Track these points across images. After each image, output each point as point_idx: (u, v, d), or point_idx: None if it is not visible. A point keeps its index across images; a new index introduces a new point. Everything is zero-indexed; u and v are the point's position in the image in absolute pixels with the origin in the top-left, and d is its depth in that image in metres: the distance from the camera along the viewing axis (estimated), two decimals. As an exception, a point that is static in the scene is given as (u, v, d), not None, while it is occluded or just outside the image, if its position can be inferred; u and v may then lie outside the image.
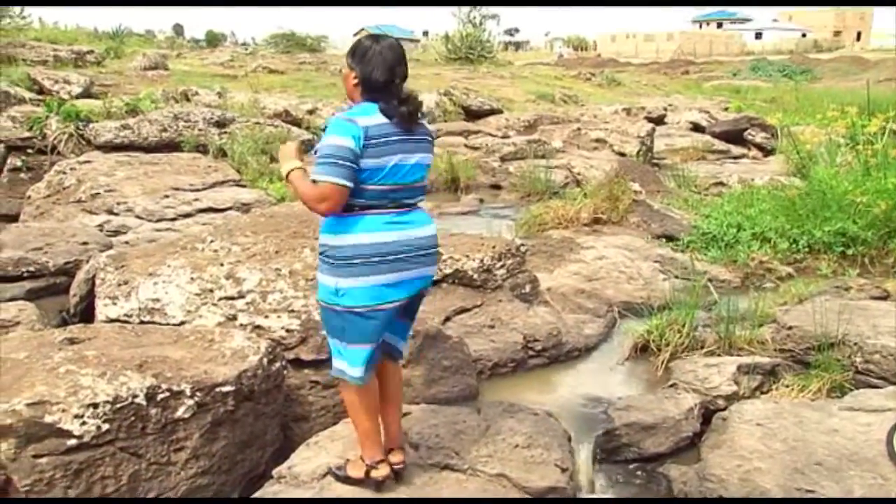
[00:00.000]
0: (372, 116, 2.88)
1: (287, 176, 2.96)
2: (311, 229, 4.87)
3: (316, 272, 3.07)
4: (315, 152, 2.90)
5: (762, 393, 4.36)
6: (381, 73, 2.91)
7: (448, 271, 5.22)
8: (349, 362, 2.99)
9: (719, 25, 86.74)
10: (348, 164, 2.80)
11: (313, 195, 2.83)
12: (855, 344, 4.56)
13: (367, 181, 2.87)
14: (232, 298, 4.22)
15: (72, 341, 3.52)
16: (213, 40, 43.21)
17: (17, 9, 18.43)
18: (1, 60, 14.90)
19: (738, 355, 4.71)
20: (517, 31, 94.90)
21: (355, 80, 2.95)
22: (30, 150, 9.47)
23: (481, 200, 9.93)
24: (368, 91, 2.94)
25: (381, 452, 3.16)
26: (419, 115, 3.01)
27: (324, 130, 2.95)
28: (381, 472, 3.13)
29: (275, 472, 3.33)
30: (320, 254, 2.98)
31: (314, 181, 2.83)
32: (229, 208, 7.65)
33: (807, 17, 79.76)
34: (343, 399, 3.16)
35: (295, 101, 14.33)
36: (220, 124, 10.88)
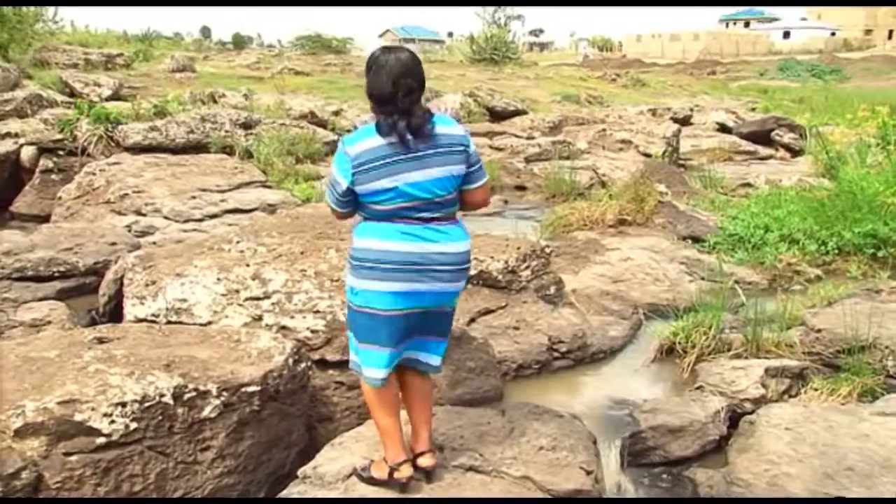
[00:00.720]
0: (367, 140, 2.87)
1: None
2: (335, 230, 4.89)
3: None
4: None
5: (790, 396, 4.30)
6: (384, 86, 2.85)
7: (472, 272, 5.21)
8: (362, 361, 3.07)
9: (746, 25, 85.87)
10: (342, 197, 2.96)
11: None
12: (886, 347, 4.50)
13: (372, 203, 2.92)
14: (258, 299, 4.24)
15: (101, 340, 3.56)
16: (240, 42, 43.60)
17: (50, 13, 18.69)
18: (35, 64, 15.13)
19: (766, 358, 4.66)
20: (542, 31, 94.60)
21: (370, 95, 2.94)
22: (61, 152, 9.59)
23: (506, 201, 9.91)
24: (374, 104, 2.93)
25: (404, 452, 3.15)
26: (428, 128, 2.90)
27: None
28: (404, 472, 3.12)
29: (300, 472, 3.34)
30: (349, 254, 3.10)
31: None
32: (255, 209, 7.72)
33: (837, 15, 78.53)
34: (365, 396, 3.22)
35: (321, 103, 14.41)
36: (247, 126, 10.96)
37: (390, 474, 3.12)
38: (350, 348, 3.17)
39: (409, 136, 2.84)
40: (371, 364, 3.02)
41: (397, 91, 2.84)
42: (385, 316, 2.94)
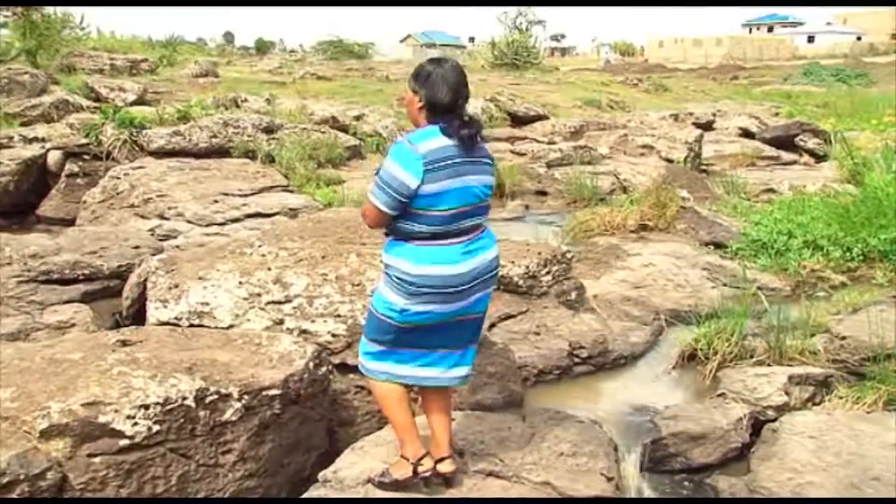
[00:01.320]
0: (434, 139, 2.93)
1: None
2: (357, 235, 4.91)
3: (378, 282, 3.16)
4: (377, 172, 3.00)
5: (814, 404, 4.26)
6: (445, 95, 2.97)
7: (493, 277, 5.21)
8: (375, 358, 3.12)
9: (770, 30, 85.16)
10: (399, 197, 2.88)
11: (363, 211, 3.07)
12: (912, 355, 4.44)
13: (432, 206, 2.92)
14: (279, 303, 4.27)
15: (124, 343, 3.59)
16: (263, 48, 43.91)
17: (77, 19, 18.95)
18: (62, 70, 15.33)
19: (789, 365, 4.61)
20: (563, 36, 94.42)
21: (420, 104, 3.00)
22: (86, 157, 9.71)
23: (527, 206, 9.90)
24: (433, 114, 2.98)
25: (422, 447, 3.18)
26: (479, 138, 3.05)
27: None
28: (427, 465, 3.15)
29: (320, 475, 3.35)
30: (387, 273, 3.03)
31: (368, 199, 2.98)
32: (277, 213, 7.75)
33: (862, 19, 77.61)
34: (374, 397, 3.28)
35: (342, 108, 14.45)
36: (269, 130, 11.02)
37: (414, 471, 3.13)
38: (362, 351, 3.20)
39: (469, 141, 2.98)
40: (385, 360, 3.10)
41: (457, 99, 3.00)
42: (426, 328, 3.03)
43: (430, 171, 2.87)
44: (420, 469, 3.14)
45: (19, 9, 15.80)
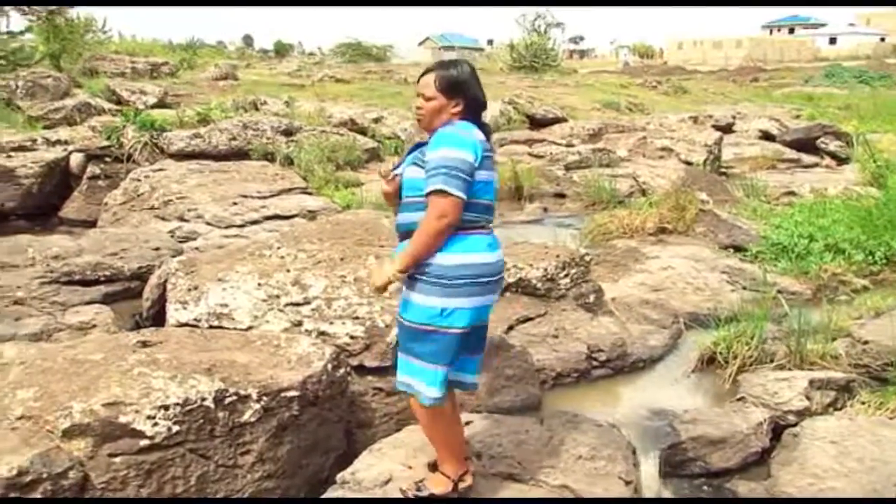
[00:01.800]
0: (476, 131, 2.97)
1: (401, 263, 2.88)
2: (375, 237, 4.92)
3: (406, 293, 2.99)
4: (417, 164, 2.97)
5: (836, 410, 4.21)
6: (482, 94, 3.06)
7: (511, 280, 5.21)
8: (427, 382, 2.95)
9: (791, 31, 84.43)
10: (467, 177, 2.84)
11: (438, 214, 2.81)
12: (936, 360, 4.39)
13: (479, 195, 2.93)
14: (298, 304, 4.29)
15: (144, 344, 3.62)
16: (282, 50, 44.14)
17: (99, 23, 19.17)
18: (84, 73, 15.51)
19: (810, 370, 4.57)
20: (582, 39, 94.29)
21: (456, 109, 2.98)
22: (108, 159, 9.82)
23: (545, 209, 9.88)
24: (474, 113, 3.03)
25: (465, 463, 3.17)
26: None
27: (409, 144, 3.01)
28: (468, 481, 3.14)
29: (338, 477, 3.36)
30: (418, 274, 2.91)
31: (440, 190, 2.80)
32: (296, 215, 7.79)
33: (886, 19, 76.60)
34: (423, 423, 3.12)
35: (361, 110, 14.50)
36: (288, 133, 11.08)
37: (454, 487, 3.10)
38: (406, 373, 3.02)
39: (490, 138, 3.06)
40: (434, 383, 2.95)
41: (486, 100, 3.10)
42: (461, 334, 2.92)
43: (485, 157, 2.94)
44: (461, 486, 3.12)
45: (44, 13, 15.99)
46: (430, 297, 2.88)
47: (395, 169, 3.16)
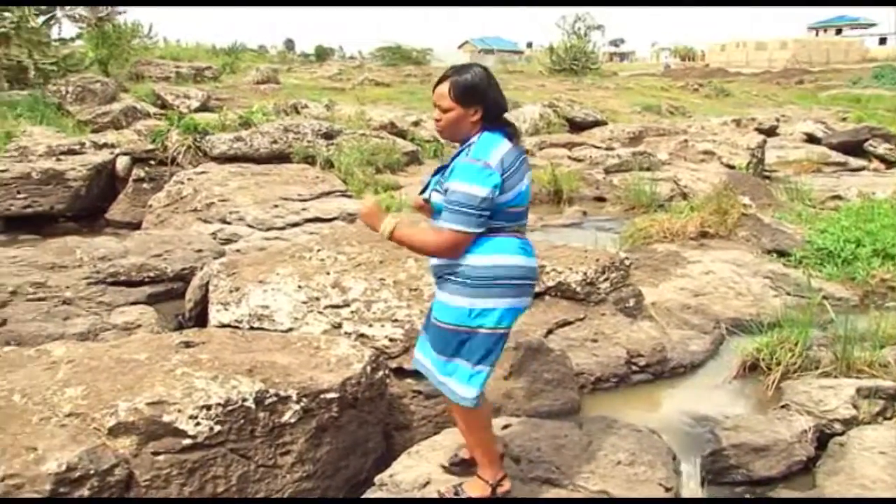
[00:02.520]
0: (501, 146, 2.88)
1: (392, 234, 2.95)
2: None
3: (439, 293, 3.01)
4: (437, 190, 2.94)
5: (885, 419, 4.10)
6: (502, 97, 2.98)
7: (551, 284, 5.19)
8: (468, 383, 2.96)
9: (838, 32, 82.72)
10: (484, 214, 2.82)
11: (438, 243, 2.85)
12: None
13: (507, 205, 2.90)
14: (337, 307, 4.32)
15: (187, 345, 3.67)
16: (322, 54, 44.47)
17: (145, 29, 19.57)
18: (130, 78, 15.83)
19: (857, 378, 4.47)
20: (622, 41, 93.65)
21: (477, 117, 2.92)
22: (152, 162, 10.00)
23: (585, 213, 9.83)
24: (495, 117, 2.95)
25: (502, 468, 3.17)
26: None
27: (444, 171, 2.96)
28: (506, 486, 3.14)
29: (376, 479, 3.37)
30: (448, 275, 2.92)
31: (448, 228, 2.82)
32: (335, 218, 7.84)
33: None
34: (464, 425, 3.12)
35: (400, 113, 14.59)
36: (328, 136, 11.17)
37: (493, 491, 3.10)
38: (444, 374, 3.01)
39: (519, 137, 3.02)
40: (477, 385, 2.96)
41: (506, 102, 3.02)
42: (493, 334, 2.93)
43: (507, 178, 2.85)
44: (500, 490, 3.12)
45: (93, 20, 16.36)
46: (458, 297, 2.90)
47: (422, 193, 3.12)
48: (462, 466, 3.26)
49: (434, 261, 3.00)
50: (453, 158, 2.97)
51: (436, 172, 3.08)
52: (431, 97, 3.04)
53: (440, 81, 2.95)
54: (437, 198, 2.95)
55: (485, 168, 2.80)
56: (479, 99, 2.90)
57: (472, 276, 2.87)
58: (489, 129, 2.93)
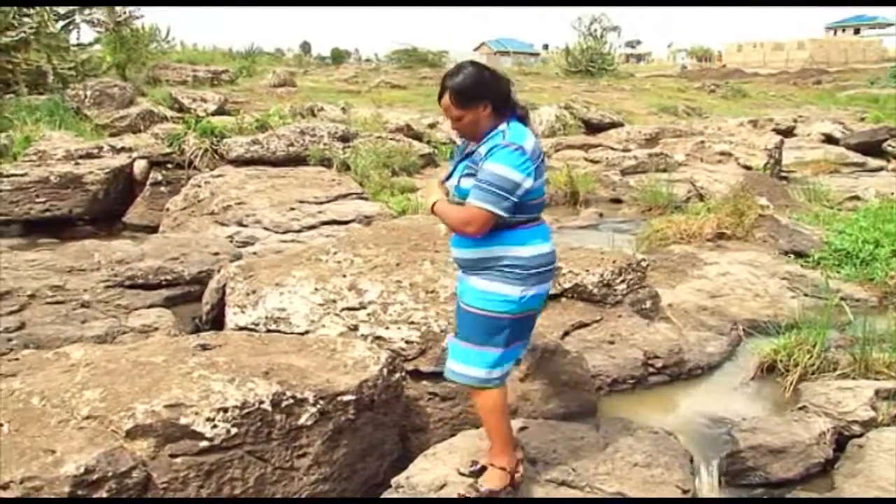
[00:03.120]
0: (529, 136, 2.98)
1: (432, 208, 3.08)
2: (430, 242, 4.94)
3: (474, 281, 3.05)
4: (466, 175, 2.99)
5: (904, 421, 4.08)
6: (506, 85, 3.03)
7: (567, 285, 5.18)
8: (502, 361, 3.09)
9: (856, 32, 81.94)
10: (513, 200, 2.88)
11: (462, 218, 2.94)
12: None
13: (530, 198, 2.97)
14: (354, 309, 4.32)
15: (204, 347, 3.69)
16: (338, 57, 44.58)
17: (163, 33, 19.70)
18: (148, 82, 15.95)
19: (876, 379, 4.43)
20: (639, 43, 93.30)
21: (487, 110, 2.96)
22: (169, 165, 10.06)
23: (601, 214, 9.80)
24: (504, 107, 2.99)
25: (516, 454, 3.25)
26: None
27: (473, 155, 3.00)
28: (521, 470, 3.22)
29: (393, 481, 3.38)
30: (488, 267, 3.00)
31: (476, 205, 2.88)
32: (352, 221, 7.86)
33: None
34: (481, 410, 3.19)
35: (416, 116, 14.61)
36: (344, 139, 11.20)
37: (512, 479, 3.15)
38: (479, 363, 3.07)
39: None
40: (504, 362, 3.10)
41: (508, 86, 3.07)
42: (514, 319, 3.04)
43: (537, 166, 2.96)
44: (517, 477, 3.18)
45: (111, 25, 16.50)
46: (507, 285, 2.98)
47: (447, 179, 3.19)
48: (480, 474, 3.25)
49: (469, 253, 3.05)
50: (483, 145, 2.98)
51: (463, 158, 3.12)
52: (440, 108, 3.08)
53: (441, 93, 3.00)
54: (466, 183, 2.99)
55: (522, 153, 2.88)
56: (483, 94, 2.95)
57: (519, 266, 2.97)
58: (500, 118, 2.99)
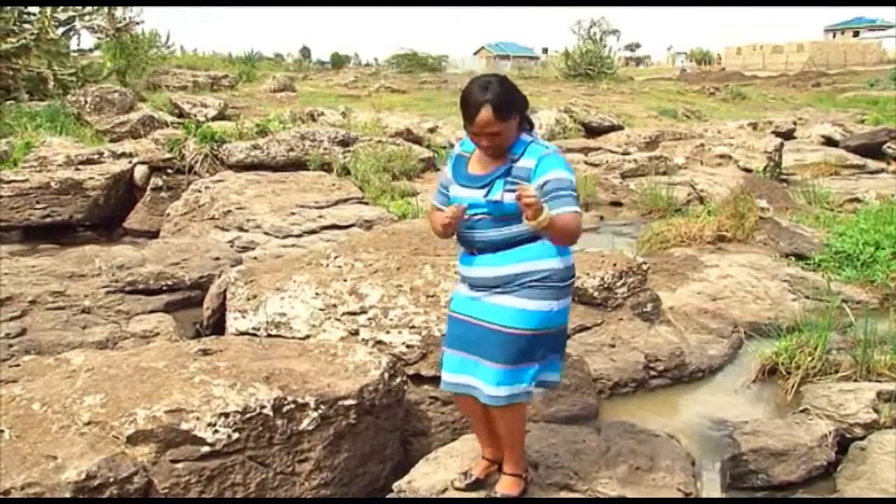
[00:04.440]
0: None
1: (551, 222, 2.77)
2: (431, 246, 4.94)
3: (511, 300, 2.94)
4: (509, 191, 2.87)
5: (906, 423, 4.07)
6: (522, 95, 3.03)
7: (567, 289, 5.17)
8: (549, 372, 3.10)
9: (856, 34, 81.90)
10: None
11: (577, 224, 2.87)
12: None
13: None
14: (354, 314, 4.32)
15: (205, 352, 3.70)
16: (338, 62, 44.67)
17: (163, 38, 19.74)
18: (148, 87, 15.97)
19: (878, 381, 4.43)
20: (638, 46, 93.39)
21: (516, 120, 2.94)
22: (170, 171, 10.07)
23: (601, 217, 9.80)
24: (520, 119, 2.99)
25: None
26: None
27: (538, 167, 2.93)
28: (531, 473, 3.28)
29: (395, 486, 3.38)
30: (532, 281, 2.92)
31: (573, 211, 2.85)
32: (352, 225, 7.86)
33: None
34: (507, 423, 3.07)
35: (416, 120, 14.60)
36: (344, 143, 11.19)
37: (525, 481, 3.21)
38: (516, 382, 2.94)
39: None
40: (543, 373, 3.07)
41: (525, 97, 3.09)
42: (566, 328, 3.16)
43: None
44: (528, 480, 3.22)
45: (112, 31, 16.53)
46: (541, 301, 2.94)
47: (486, 196, 2.98)
48: (476, 486, 3.24)
49: (504, 270, 2.94)
50: (522, 158, 2.93)
51: (499, 175, 2.94)
52: (449, 103, 3.08)
53: (477, 109, 2.84)
54: (508, 198, 2.86)
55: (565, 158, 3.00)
56: (517, 105, 2.95)
57: (561, 278, 2.99)
58: (525, 129, 3.01)
